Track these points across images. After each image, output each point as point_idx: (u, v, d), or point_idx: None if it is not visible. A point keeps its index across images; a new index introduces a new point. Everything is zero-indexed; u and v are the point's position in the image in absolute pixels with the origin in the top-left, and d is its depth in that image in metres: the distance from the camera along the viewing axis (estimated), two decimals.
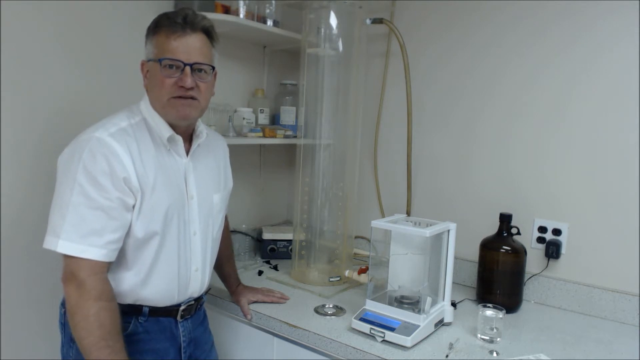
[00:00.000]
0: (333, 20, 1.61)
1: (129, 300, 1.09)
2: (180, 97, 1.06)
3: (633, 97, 1.40)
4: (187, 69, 1.05)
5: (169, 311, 1.16)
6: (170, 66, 1.05)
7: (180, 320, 1.18)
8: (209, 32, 1.10)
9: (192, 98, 1.08)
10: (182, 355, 1.20)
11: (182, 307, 1.18)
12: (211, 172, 1.24)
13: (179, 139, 1.13)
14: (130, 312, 1.10)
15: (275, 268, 1.78)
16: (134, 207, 1.04)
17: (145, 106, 1.12)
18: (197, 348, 1.25)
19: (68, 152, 1.03)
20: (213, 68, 1.11)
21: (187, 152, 1.17)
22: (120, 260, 1.06)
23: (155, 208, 1.07)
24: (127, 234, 1.05)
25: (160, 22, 1.06)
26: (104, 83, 1.47)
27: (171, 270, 1.12)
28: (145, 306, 1.11)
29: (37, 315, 1.37)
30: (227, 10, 1.64)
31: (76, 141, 1.03)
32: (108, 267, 1.02)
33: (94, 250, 0.98)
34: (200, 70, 1.08)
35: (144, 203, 1.05)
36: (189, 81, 1.05)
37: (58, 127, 1.37)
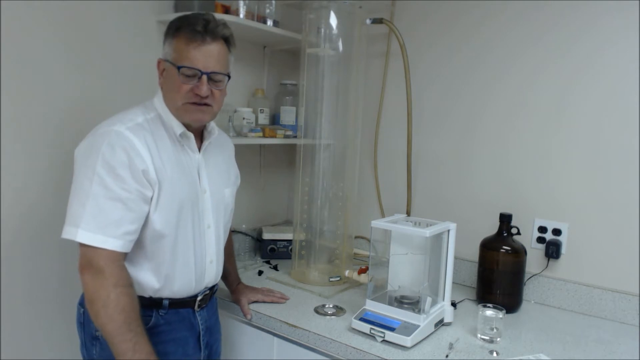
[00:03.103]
0: (333, 20, 1.61)
1: (149, 293, 1.12)
2: (194, 103, 1.10)
3: (633, 97, 1.40)
4: (204, 77, 1.07)
5: (187, 302, 1.19)
6: (188, 74, 1.07)
7: (198, 310, 1.22)
8: (227, 40, 1.12)
9: (206, 105, 1.11)
10: (201, 343, 1.24)
11: (199, 298, 1.21)
12: (221, 168, 1.28)
13: (191, 136, 1.16)
14: (151, 305, 1.13)
15: (275, 268, 1.78)
16: (151, 199, 1.06)
17: (159, 103, 1.15)
18: (211, 335, 1.29)
19: (86, 145, 1.05)
20: (229, 76, 1.14)
21: (199, 149, 1.20)
22: (139, 253, 1.09)
23: (172, 200, 1.09)
24: (146, 226, 1.07)
25: (181, 26, 1.08)
26: (105, 82, 1.47)
27: (188, 263, 1.15)
28: (166, 299, 1.14)
29: (38, 315, 1.37)
30: (227, 10, 1.64)
31: (94, 134, 1.05)
32: (124, 258, 1.04)
33: (112, 241, 1.00)
34: (216, 79, 1.10)
35: (161, 195, 1.07)
36: (204, 90, 1.08)
37: (59, 127, 1.37)
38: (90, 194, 1.00)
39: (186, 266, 1.15)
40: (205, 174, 1.20)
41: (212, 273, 1.23)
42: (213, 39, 1.08)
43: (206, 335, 1.25)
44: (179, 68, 1.06)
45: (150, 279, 1.11)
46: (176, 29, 1.09)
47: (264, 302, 1.44)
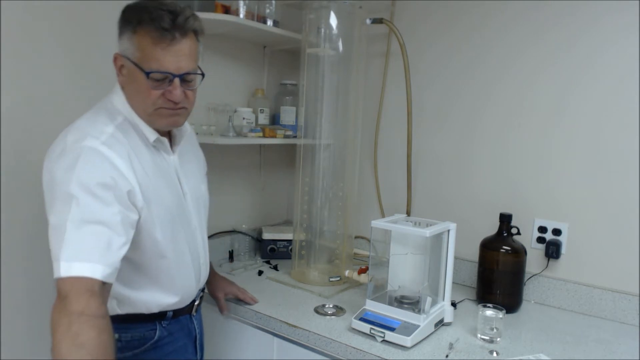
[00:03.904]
0: (333, 20, 1.61)
1: (155, 309, 1.07)
2: (168, 107, 0.99)
3: (633, 97, 1.40)
4: (177, 81, 0.96)
5: (186, 308, 1.16)
6: (158, 78, 0.95)
7: (194, 314, 1.20)
8: (196, 32, 0.99)
9: (181, 108, 1.01)
10: (197, 346, 1.22)
11: (196, 302, 1.19)
12: (194, 163, 1.21)
13: (165, 140, 1.07)
14: (153, 318, 1.08)
15: (275, 268, 1.78)
16: (139, 220, 0.97)
17: (122, 104, 1.02)
18: (202, 336, 1.28)
19: (53, 166, 0.91)
20: (202, 75, 1.02)
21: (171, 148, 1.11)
22: (139, 274, 1.03)
23: (165, 213, 1.03)
24: (146, 245, 0.99)
25: (142, 20, 0.93)
26: (105, 82, 1.45)
27: (188, 270, 1.12)
28: (170, 310, 1.11)
29: (38, 315, 1.37)
30: (227, 10, 1.64)
31: (61, 153, 0.91)
32: (103, 288, 0.87)
33: (99, 268, 0.85)
34: (189, 79, 0.99)
35: (154, 211, 0.99)
36: (178, 95, 0.97)
37: (59, 127, 1.36)
38: (68, 220, 0.85)
39: (188, 274, 1.12)
40: (183, 175, 1.12)
41: (205, 273, 1.20)
42: (183, 35, 0.94)
43: (200, 338, 1.24)
44: (147, 74, 0.93)
45: (157, 295, 1.06)
46: (137, 23, 0.93)
47: (237, 297, 1.41)
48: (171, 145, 1.10)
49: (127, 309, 1.04)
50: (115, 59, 1.00)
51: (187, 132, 1.13)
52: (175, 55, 0.94)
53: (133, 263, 1.00)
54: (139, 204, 0.96)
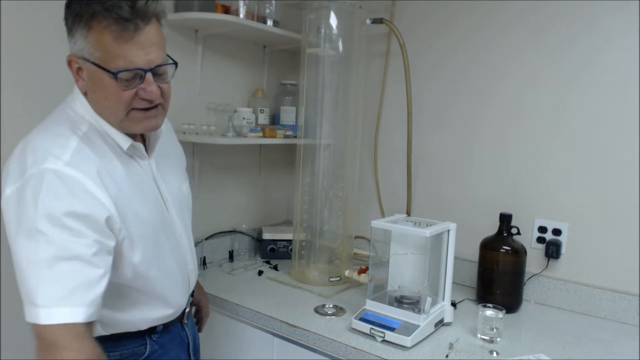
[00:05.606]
0: (333, 20, 1.61)
1: (143, 327, 1.02)
2: (142, 109, 0.89)
3: (633, 97, 1.40)
4: (149, 76, 0.86)
5: (176, 318, 1.11)
6: (127, 77, 0.85)
7: (186, 321, 1.16)
8: (159, 16, 0.88)
9: (156, 106, 0.91)
10: (190, 352, 1.18)
11: (187, 310, 1.15)
12: (172, 162, 1.11)
13: (140, 146, 0.97)
14: (144, 333, 1.03)
15: (275, 268, 1.78)
16: (118, 244, 0.89)
17: (85, 111, 0.91)
18: (195, 340, 1.23)
19: (12, 196, 0.81)
20: (176, 64, 0.92)
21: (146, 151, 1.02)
22: (127, 294, 0.97)
23: (145, 231, 0.95)
24: (129, 266, 0.93)
25: (96, 12, 0.81)
26: None
27: (176, 283, 1.06)
28: (160, 324, 1.06)
29: None
30: (227, 10, 1.64)
31: (22, 180, 0.81)
32: (92, 326, 0.83)
33: (80, 311, 0.79)
34: (161, 72, 0.90)
35: (133, 230, 0.91)
36: (154, 91, 0.87)
37: None
38: (38, 259, 0.78)
39: (175, 287, 1.06)
40: (162, 180, 1.02)
41: (193, 278, 1.15)
42: (146, 22, 0.84)
43: (194, 344, 1.20)
44: (115, 74, 0.83)
45: (146, 314, 1.00)
46: (91, 16, 0.81)
47: (199, 312, 1.32)
48: (146, 149, 1.00)
49: (112, 330, 0.98)
50: (70, 62, 0.88)
51: (162, 133, 1.03)
52: (142, 48, 0.84)
53: (115, 285, 0.92)
54: (116, 227, 0.87)
